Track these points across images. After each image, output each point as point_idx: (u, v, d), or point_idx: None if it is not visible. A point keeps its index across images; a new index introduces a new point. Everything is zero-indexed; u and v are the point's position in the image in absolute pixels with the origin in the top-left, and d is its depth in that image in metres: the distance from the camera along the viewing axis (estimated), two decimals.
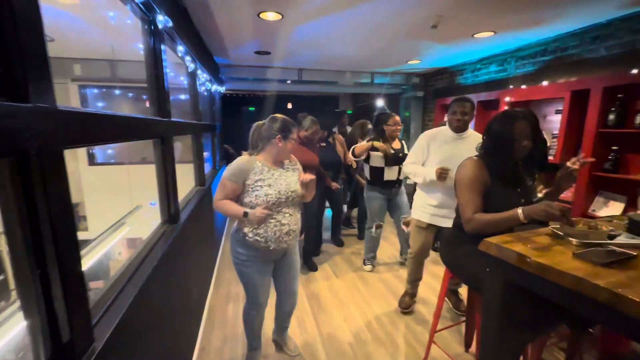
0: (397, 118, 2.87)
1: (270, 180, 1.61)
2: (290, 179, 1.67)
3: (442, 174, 2.07)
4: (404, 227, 2.99)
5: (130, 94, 4.49)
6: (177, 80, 2.79)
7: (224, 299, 2.70)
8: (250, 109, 6.16)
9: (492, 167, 1.47)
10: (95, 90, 4.21)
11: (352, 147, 2.89)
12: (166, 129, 1.59)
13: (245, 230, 1.62)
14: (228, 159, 5.65)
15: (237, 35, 2.94)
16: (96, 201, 4.09)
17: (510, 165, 1.48)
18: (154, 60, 1.45)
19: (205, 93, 3.64)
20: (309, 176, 1.65)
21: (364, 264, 3.30)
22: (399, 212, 3.02)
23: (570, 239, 1.22)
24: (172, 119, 1.69)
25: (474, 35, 2.92)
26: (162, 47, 1.51)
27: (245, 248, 1.66)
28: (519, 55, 3.40)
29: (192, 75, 2.48)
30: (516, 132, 1.41)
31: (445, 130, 2.22)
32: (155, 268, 1.24)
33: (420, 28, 2.69)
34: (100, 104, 4.29)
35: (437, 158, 2.19)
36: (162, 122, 1.54)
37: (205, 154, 3.15)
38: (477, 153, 1.57)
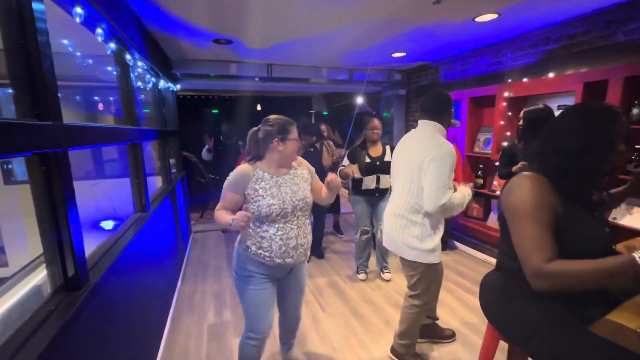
0: (376, 122, 2.82)
1: (273, 189, 1.48)
2: (298, 186, 1.53)
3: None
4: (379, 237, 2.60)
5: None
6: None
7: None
8: (213, 111, 5.46)
9: (565, 186, 0.99)
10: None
11: (339, 170, 2.80)
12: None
13: (249, 242, 1.50)
14: (189, 169, 4.90)
15: (188, 10, 2.30)
16: (16, 228, 3.25)
17: (596, 182, 1.01)
18: None
19: (153, 91, 2.94)
20: (336, 179, 1.54)
21: (357, 272, 3.14)
22: (378, 221, 2.86)
23: None
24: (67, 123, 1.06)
25: (475, 19, 2.49)
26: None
27: (248, 262, 1.53)
28: (516, 46, 3.04)
29: (123, 63, 1.82)
30: (616, 136, 0.94)
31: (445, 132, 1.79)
32: None
33: (418, 6, 2.22)
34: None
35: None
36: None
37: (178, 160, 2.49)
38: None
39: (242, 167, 1.52)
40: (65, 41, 2.06)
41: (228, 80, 4.20)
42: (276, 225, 1.47)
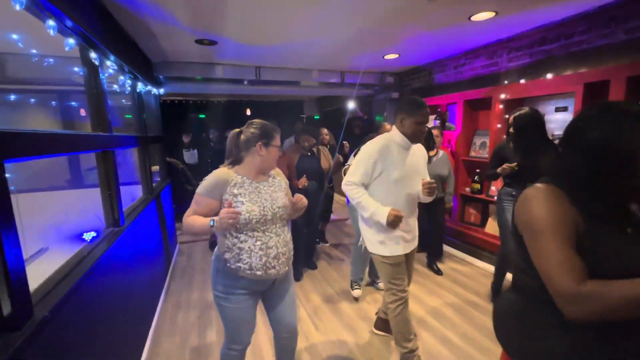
0: (389, 127, 2.68)
1: (253, 194, 1.40)
2: (277, 194, 1.47)
3: (395, 221, 1.70)
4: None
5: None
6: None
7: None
8: (200, 116, 5.26)
9: (586, 200, 0.86)
10: None
11: (344, 168, 2.74)
12: None
13: (227, 256, 1.39)
14: (175, 176, 4.69)
15: (160, 7, 2.13)
16: None
17: (623, 195, 0.87)
18: None
19: (131, 94, 2.75)
20: (302, 200, 1.49)
21: (352, 287, 2.86)
22: None
23: None
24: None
25: (471, 18, 2.38)
26: None
27: (227, 278, 1.42)
28: (512, 46, 2.95)
29: (89, 64, 1.64)
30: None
31: (398, 139, 1.78)
32: None
33: (412, 5, 2.10)
34: None
35: (395, 174, 1.76)
36: None
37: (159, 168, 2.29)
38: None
39: (220, 171, 1.43)
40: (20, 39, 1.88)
41: (215, 84, 4.02)
42: (255, 234, 1.39)
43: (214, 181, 1.39)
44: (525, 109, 2.27)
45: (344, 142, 3.39)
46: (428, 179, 1.83)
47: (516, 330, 0.99)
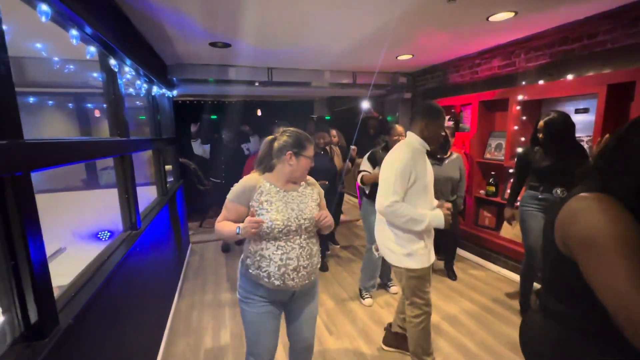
0: (400, 128, 2.60)
1: (279, 203, 1.38)
2: (305, 205, 1.43)
3: (448, 217, 1.71)
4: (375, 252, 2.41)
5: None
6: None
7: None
8: (212, 117, 5.30)
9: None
10: None
11: (361, 174, 2.62)
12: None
13: (248, 261, 1.41)
14: (187, 175, 4.74)
15: (178, 13, 2.14)
16: None
17: None
18: None
19: (147, 97, 2.78)
20: (328, 218, 1.40)
21: (361, 296, 2.78)
22: None
23: None
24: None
25: (489, 19, 2.32)
26: None
27: (248, 283, 1.43)
28: (530, 46, 2.87)
29: (108, 70, 1.66)
30: None
31: (418, 144, 1.74)
32: None
33: (430, 6, 2.06)
34: None
35: (424, 180, 1.74)
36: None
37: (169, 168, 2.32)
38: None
39: (249, 177, 1.44)
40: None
41: (227, 85, 4.04)
42: (276, 243, 1.36)
43: (242, 187, 1.40)
44: (554, 114, 2.18)
45: (352, 147, 3.36)
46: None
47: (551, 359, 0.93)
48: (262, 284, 1.38)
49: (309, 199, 1.45)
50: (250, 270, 1.39)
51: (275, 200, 1.37)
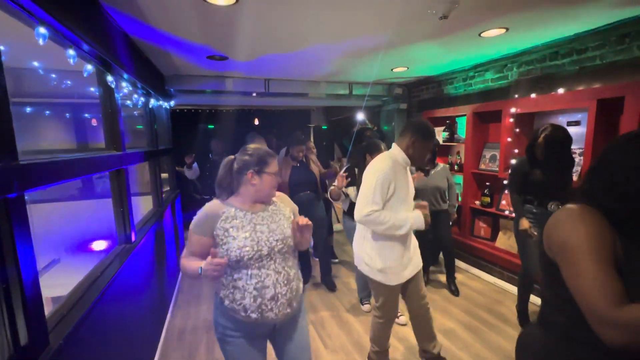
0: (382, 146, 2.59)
1: (247, 227, 1.26)
2: (276, 224, 1.31)
3: (427, 217, 1.77)
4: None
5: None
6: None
7: None
8: (209, 126, 5.31)
9: (622, 223, 0.81)
10: None
11: (330, 189, 2.72)
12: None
13: (221, 294, 1.27)
14: (183, 184, 4.72)
15: (178, 28, 2.17)
16: None
17: None
18: None
19: (144, 109, 2.80)
20: (305, 220, 1.27)
21: (361, 302, 2.91)
22: None
23: None
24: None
25: (482, 34, 2.37)
26: None
27: (224, 318, 1.29)
28: (522, 60, 2.93)
29: (105, 86, 1.68)
30: None
31: (400, 159, 1.78)
32: None
33: (423, 22, 2.10)
34: None
35: (402, 193, 1.77)
36: None
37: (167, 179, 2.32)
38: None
39: (210, 205, 1.31)
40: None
41: (224, 96, 4.07)
42: (249, 272, 1.23)
43: (204, 215, 1.28)
44: (553, 129, 2.19)
45: (332, 162, 3.40)
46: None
47: None
48: (240, 319, 1.25)
49: (281, 217, 1.34)
50: (225, 304, 1.26)
51: (241, 225, 1.25)
